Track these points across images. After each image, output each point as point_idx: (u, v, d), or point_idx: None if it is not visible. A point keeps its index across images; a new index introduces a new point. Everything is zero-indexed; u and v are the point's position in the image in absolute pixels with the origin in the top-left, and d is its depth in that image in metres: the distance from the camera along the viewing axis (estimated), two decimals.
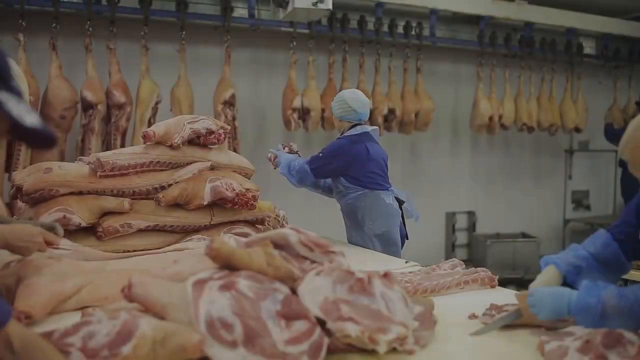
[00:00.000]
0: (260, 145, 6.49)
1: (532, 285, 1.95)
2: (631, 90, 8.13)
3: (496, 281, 2.47)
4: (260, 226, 3.34)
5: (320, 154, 3.77)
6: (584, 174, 8.64)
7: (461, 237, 7.91)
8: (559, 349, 1.58)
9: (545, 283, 1.94)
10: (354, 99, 3.77)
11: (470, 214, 7.95)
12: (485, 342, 1.78)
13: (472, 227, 7.93)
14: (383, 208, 3.75)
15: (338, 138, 3.85)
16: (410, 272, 2.58)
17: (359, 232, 3.78)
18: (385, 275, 1.80)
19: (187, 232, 3.07)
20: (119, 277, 2.00)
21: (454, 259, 2.70)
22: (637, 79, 8.24)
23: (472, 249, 7.89)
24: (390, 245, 3.75)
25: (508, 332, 1.86)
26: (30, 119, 1.22)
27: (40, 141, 1.27)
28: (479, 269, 2.54)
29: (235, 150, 5.50)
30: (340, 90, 6.02)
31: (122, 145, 5.15)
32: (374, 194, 3.74)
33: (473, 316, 2.02)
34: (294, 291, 1.67)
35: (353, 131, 3.78)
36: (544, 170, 8.52)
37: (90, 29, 5.14)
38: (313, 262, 1.79)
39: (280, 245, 1.81)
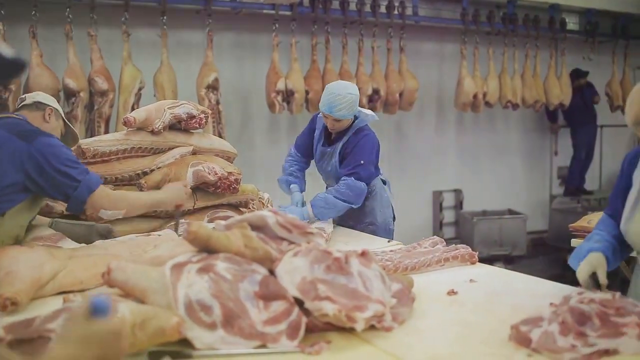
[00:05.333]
0: (245, 128, 6.50)
1: (581, 271, 1.95)
2: (614, 65, 8.16)
3: (476, 257, 2.50)
4: (244, 209, 3.36)
5: (362, 162, 3.24)
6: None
7: (448, 215, 7.96)
8: (545, 336, 1.55)
9: (596, 267, 1.94)
10: (355, 89, 3.31)
11: (457, 192, 8.00)
12: (462, 318, 1.81)
13: (459, 205, 7.98)
14: (384, 195, 3.52)
15: (360, 133, 3.33)
16: (391, 251, 2.61)
17: (360, 227, 3.44)
18: (363, 254, 1.82)
19: (171, 217, 3.08)
20: (92, 262, 2.10)
21: (434, 236, 2.73)
22: (619, 54, 8.26)
23: (460, 226, 7.95)
24: (388, 233, 3.50)
25: (486, 307, 1.90)
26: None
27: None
28: (459, 245, 2.57)
29: (220, 135, 5.50)
30: (322, 72, 6.02)
31: (106, 133, 5.14)
32: (377, 181, 3.48)
33: (452, 292, 2.05)
34: (271, 272, 1.69)
35: (362, 122, 3.37)
36: (529, 147, 8.57)
37: (70, 16, 5.12)
38: (291, 243, 1.81)
39: (258, 227, 1.83)
